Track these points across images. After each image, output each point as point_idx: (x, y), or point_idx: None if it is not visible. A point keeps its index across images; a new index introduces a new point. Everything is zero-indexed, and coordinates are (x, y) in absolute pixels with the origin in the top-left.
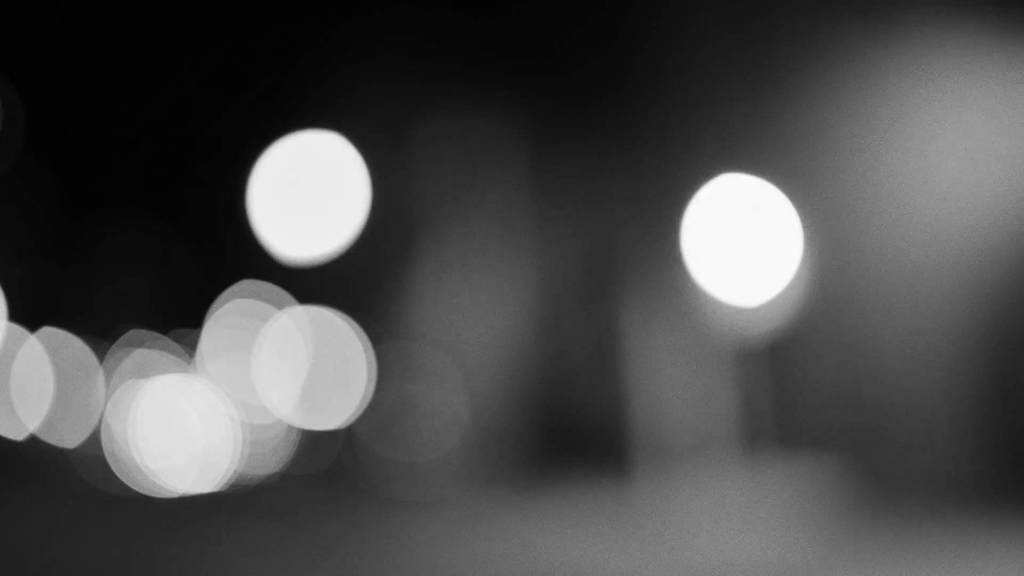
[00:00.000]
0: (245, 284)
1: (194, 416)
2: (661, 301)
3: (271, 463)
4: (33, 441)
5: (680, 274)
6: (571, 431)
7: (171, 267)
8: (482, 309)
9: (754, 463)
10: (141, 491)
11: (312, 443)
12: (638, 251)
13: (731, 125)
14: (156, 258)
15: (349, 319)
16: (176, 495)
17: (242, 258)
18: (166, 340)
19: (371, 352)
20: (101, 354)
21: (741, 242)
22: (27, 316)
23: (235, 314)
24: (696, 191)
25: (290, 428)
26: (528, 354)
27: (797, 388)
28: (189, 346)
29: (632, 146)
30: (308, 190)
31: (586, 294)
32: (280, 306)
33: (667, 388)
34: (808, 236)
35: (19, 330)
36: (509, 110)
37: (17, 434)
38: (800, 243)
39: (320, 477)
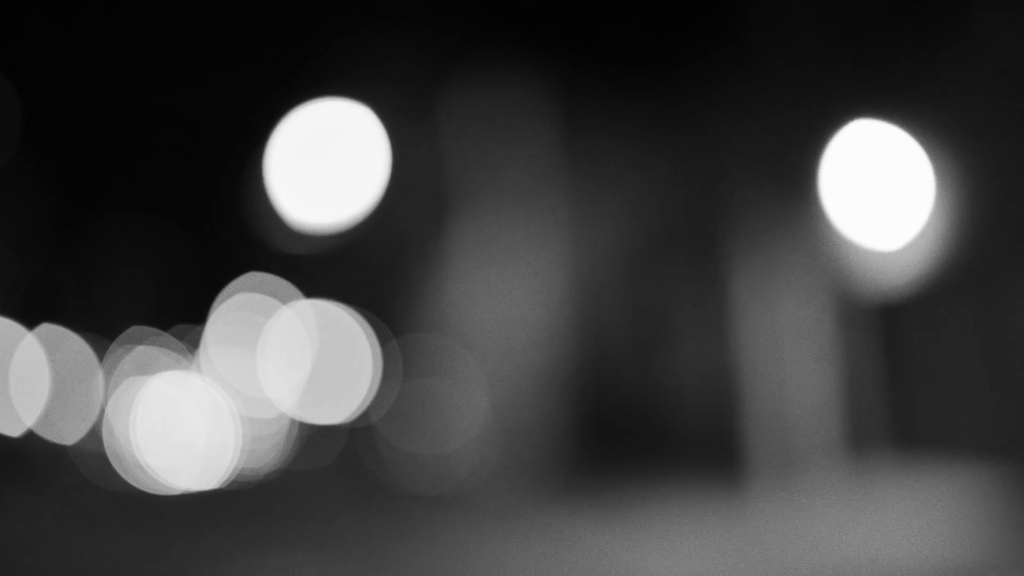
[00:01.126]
0: (249, 277)
1: (195, 413)
2: (784, 263)
3: (273, 459)
4: (31, 437)
5: (810, 231)
6: (637, 422)
7: (172, 262)
8: (513, 295)
9: (884, 462)
10: (142, 488)
11: (315, 438)
12: (750, 213)
13: (860, 69)
14: (157, 253)
15: (356, 313)
16: (177, 492)
17: (246, 251)
18: (167, 337)
19: (377, 345)
20: (101, 351)
21: (870, 190)
22: (26, 313)
23: (238, 309)
24: (824, 140)
25: (292, 423)
26: (575, 340)
27: (936, 370)
28: (191, 343)
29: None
30: (325, 158)
31: (650, 269)
32: (285, 300)
33: (786, 367)
34: (946, 185)
35: (16, 327)
36: (542, 73)
37: (14, 430)
38: (935, 191)
39: (324, 472)
